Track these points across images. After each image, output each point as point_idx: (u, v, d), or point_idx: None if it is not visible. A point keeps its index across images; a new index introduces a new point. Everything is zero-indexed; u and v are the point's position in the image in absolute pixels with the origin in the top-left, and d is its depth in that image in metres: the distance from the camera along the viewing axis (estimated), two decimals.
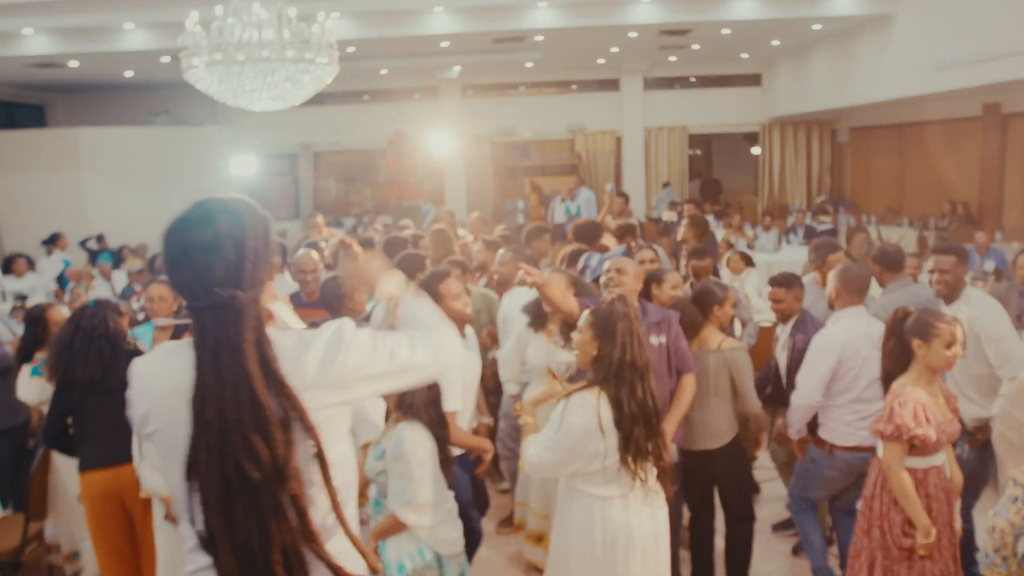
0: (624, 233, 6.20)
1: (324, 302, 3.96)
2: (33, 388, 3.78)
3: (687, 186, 16.07)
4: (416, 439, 2.69)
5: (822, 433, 3.49)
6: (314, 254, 4.92)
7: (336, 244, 5.84)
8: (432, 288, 3.21)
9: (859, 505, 2.98)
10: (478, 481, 3.51)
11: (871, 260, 4.29)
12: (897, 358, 2.85)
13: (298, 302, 4.82)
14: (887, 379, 2.90)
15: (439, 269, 3.55)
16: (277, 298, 1.62)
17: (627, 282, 3.57)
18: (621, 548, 2.63)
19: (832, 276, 3.57)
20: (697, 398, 3.45)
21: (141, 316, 4.72)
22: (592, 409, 2.57)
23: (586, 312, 2.77)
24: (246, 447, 1.39)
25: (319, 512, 1.49)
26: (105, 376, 3.26)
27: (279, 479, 1.40)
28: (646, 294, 3.76)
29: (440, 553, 2.69)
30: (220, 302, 1.42)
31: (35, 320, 3.97)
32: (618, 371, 2.56)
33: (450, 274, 3.32)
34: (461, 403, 3.26)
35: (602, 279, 3.72)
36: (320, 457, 1.46)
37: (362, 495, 3.11)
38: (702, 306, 3.63)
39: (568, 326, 3.70)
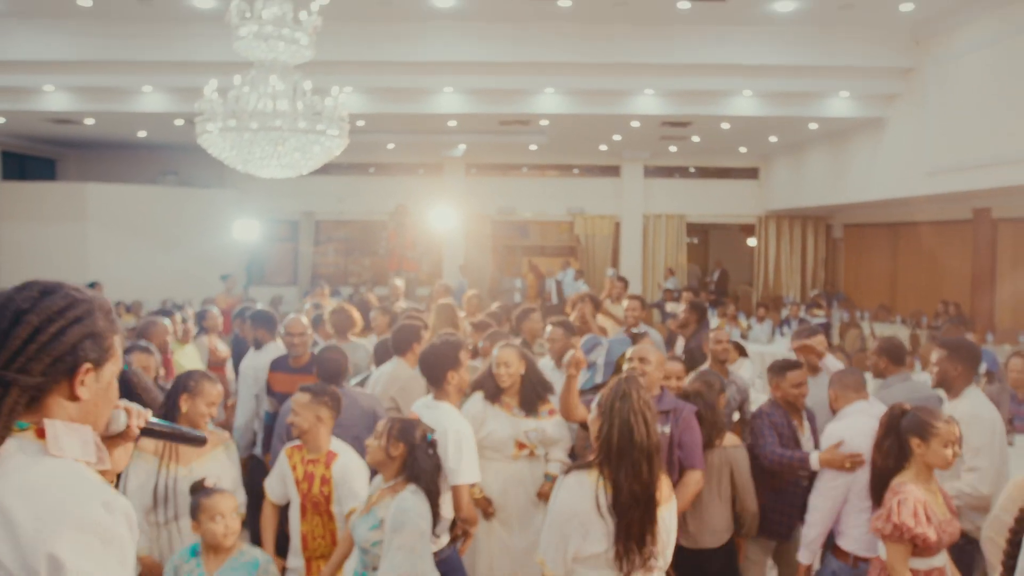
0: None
1: (322, 371, 3.95)
2: None
3: (684, 274, 16.26)
4: (421, 510, 2.65)
5: (842, 543, 3.22)
6: (304, 318, 4.97)
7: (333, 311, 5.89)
8: (453, 353, 3.30)
9: None
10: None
11: (873, 352, 4.28)
12: (895, 457, 2.82)
13: (285, 367, 4.84)
14: (878, 476, 2.87)
15: (455, 338, 3.57)
16: (86, 425, 1.27)
17: (650, 371, 3.48)
18: None
19: (830, 382, 3.57)
20: (699, 495, 3.39)
21: None
22: (588, 489, 2.42)
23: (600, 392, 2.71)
24: None
25: None
26: None
27: None
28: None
29: None
30: None
31: None
32: (619, 451, 2.41)
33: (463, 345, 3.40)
34: (477, 474, 3.22)
35: (625, 367, 3.63)
36: None
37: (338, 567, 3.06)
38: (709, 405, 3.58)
39: (528, 398, 3.72)
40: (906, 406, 2.85)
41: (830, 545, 3.33)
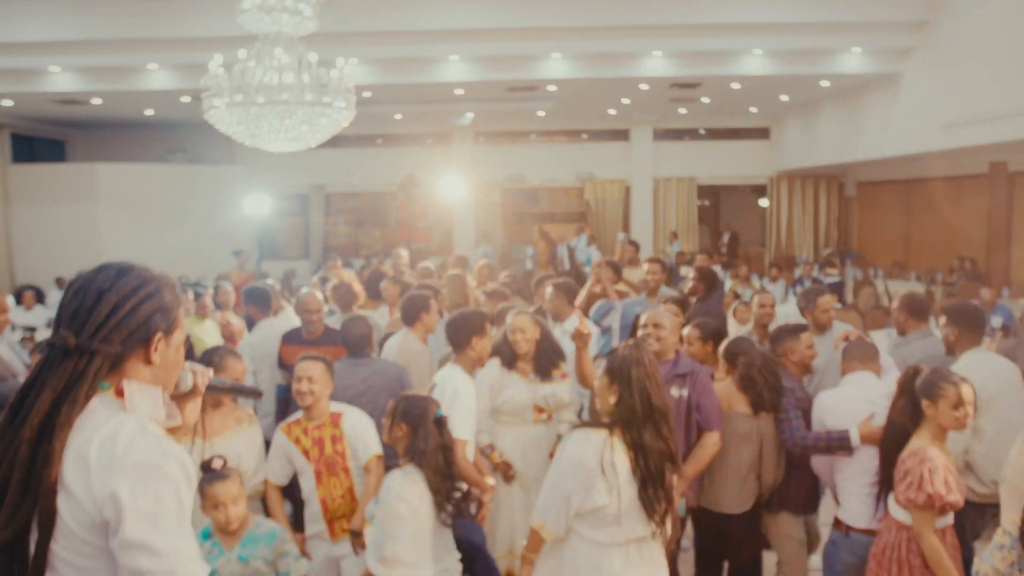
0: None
1: (349, 342, 3.99)
2: None
3: (696, 236, 16.19)
4: (401, 491, 2.62)
5: (839, 514, 3.32)
6: (318, 294, 5.01)
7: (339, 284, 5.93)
8: (481, 321, 3.38)
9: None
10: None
11: (895, 308, 4.22)
12: (910, 415, 2.83)
13: (299, 339, 4.87)
14: (893, 435, 2.86)
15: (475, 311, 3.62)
16: (157, 386, 1.46)
17: (665, 336, 3.51)
18: None
19: (843, 353, 3.54)
20: (725, 460, 3.39)
21: None
22: (595, 447, 2.51)
23: (607, 360, 2.76)
24: None
25: None
26: None
27: None
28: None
29: None
30: (53, 340, 1.37)
31: None
32: (644, 415, 2.52)
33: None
34: (469, 432, 3.27)
35: (640, 333, 3.68)
36: (40, 551, 1.27)
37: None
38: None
39: (542, 364, 3.77)
40: (921, 367, 2.84)
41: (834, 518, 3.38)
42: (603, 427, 2.57)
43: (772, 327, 5.01)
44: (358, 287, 5.72)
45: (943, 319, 3.69)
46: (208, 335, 5.83)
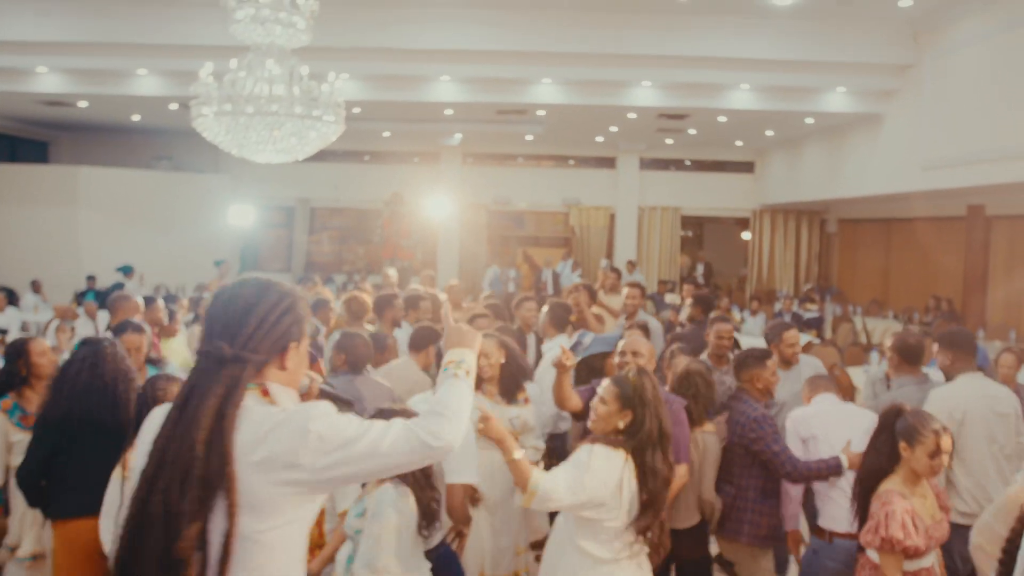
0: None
1: (352, 358, 3.94)
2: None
3: (678, 266, 16.29)
4: (397, 503, 2.64)
5: (821, 522, 3.36)
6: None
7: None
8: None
9: None
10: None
11: (890, 349, 4.11)
12: (887, 455, 2.77)
13: None
14: (868, 473, 2.83)
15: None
16: (292, 389, 1.65)
17: (644, 363, 3.52)
18: None
19: (805, 386, 3.73)
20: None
21: None
22: (617, 465, 2.62)
23: (607, 381, 2.80)
24: (164, 491, 1.45)
25: None
26: (113, 416, 3.07)
27: (174, 536, 1.43)
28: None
29: None
30: (208, 350, 1.55)
31: (16, 352, 3.57)
32: (660, 439, 2.65)
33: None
34: (477, 477, 3.19)
35: (616, 361, 3.71)
36: (229, 537, 1.45)
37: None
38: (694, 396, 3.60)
39: (507, 386, 3.73)
40: (904, 406, 2.80)
41: (812, 526, 3.46)
42: (617, 445, 2.65)
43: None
44: (368, 301, 5.64)
45: (936, 348, 3.74)
46: (173, 353, 5.66)
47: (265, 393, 1.59)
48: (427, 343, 4.33)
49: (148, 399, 2.96)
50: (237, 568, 1.47)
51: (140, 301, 5.46)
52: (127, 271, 11.63)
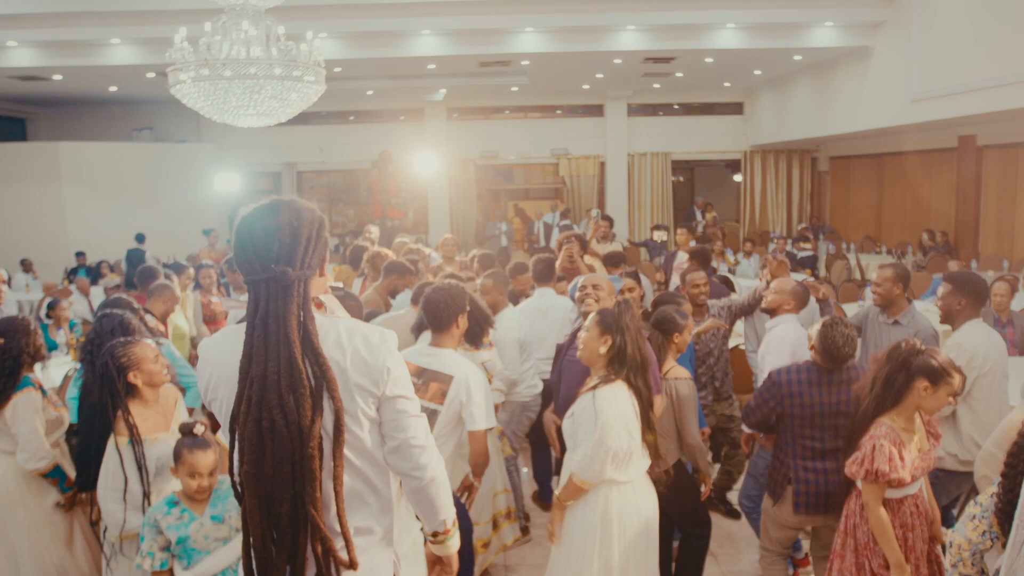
0: (618, 262, 6.29)
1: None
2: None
3: (671, 212, 16.22)
4: None
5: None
6: None
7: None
8: (463, 298, 3.32)
9: (836, 543, 2.92)
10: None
11: (891, 279, 4.10)
12: (896, 391, 2.72)
13: None
14: (874, 406, 2.78)
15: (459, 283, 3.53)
16: (329, 292, 1.82)
17: (603, 297, 3.67)
18: (616, 529, 2.82)
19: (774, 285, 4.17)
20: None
21: None
22: (624, 396, 2.81)
23: (593, 312, 2.97)
24: (280, 403, 1.62)
25: (328, 477, 1.68)
26: None
27: (302, 437, 1.62)
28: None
29: None
30: (273, 275, 1.65)
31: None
32: (633, 363, 2.83)
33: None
34: (492, 421, 3.18)
35: (576, 295, 3.80)
36: (339, 426, 1.66)
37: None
38: (665, 332, 3.60)
39: (473, 332, 3.79)
40: (919, 345, 2.76)
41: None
42: (614, 380, 2.83)
43: (733, 300, 5.09)
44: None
45: (946, 288, 3.66)
46: (168, 321, 5.59)
47: (319, 305, 1.78)
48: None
49: (115, 367, 2.92)
50: (348, 449, 1.71)
51: (178, 292, 5.33)
52: (141, 239, 11.61)
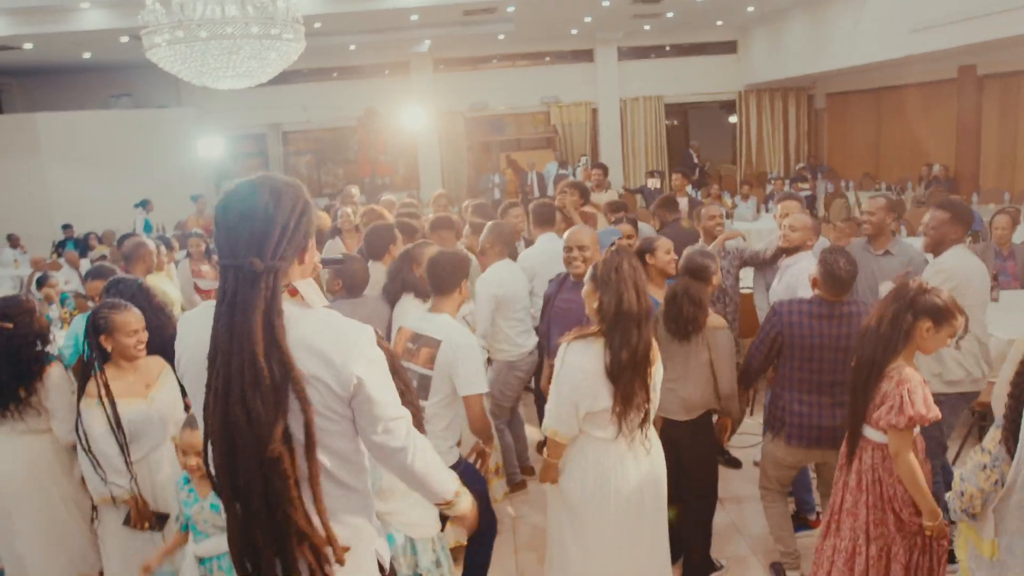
0: (617, 209, 6.13)
1: (349, 283, 3.96)
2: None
3: (666, 157, 15.97)
4: None
5: None
6: None
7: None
8: (466, 263, 3.27)
9: (846, 500, 2.84)
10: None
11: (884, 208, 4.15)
12: (904, 333, 2.63)
13: None
14: (870, 362, 2.68)
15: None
16: (308, 278, 1.71)
17: (590, 256, 3.66)
18: (613, 489, 2.72)
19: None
20: (674, 369, 3.30)
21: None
22: (594, 353, 2.66)
23: (590, 268, 2.87)
24: (242, 400, 1.55)
25: (303, 479, 1.62)
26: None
27: (264, 438, 1.55)
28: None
29: (412, 537, 2.58)
30: (239, 264, 1.57)
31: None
32: (614, 319, 2.65)
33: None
34: (485, 385, 3.12)
35: (563, 256, 3.79)
36: (309, 428, 1.58)
37: None
38: (703, 280, 3.48)
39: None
40: (925, 284, 2.71)
41: None
42: (597, 334, 2.69)
43: (748, 246, 4.98)
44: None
45: (942, 216, 3.58)
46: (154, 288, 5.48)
47: (294, 293, 1.67)
48: (386, 245, 4.48)
49: (93, 324, 2.94)
50: (321, 451, 1.63)
51: (153, 247, 5.21)
52: (144, 204, 11.54)
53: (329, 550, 1.65)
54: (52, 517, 3.27)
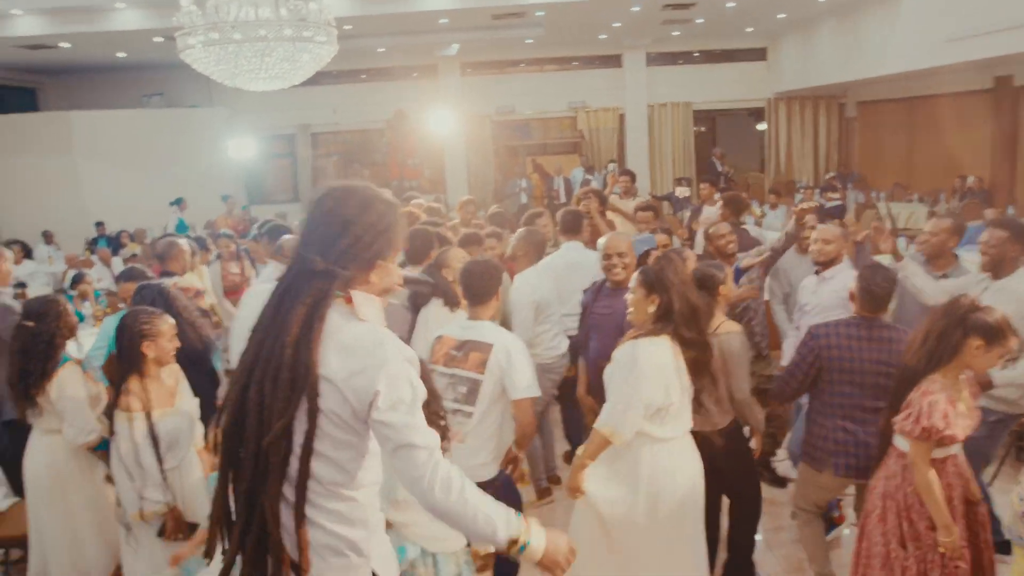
0: (647, 209, 6.12)
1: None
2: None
3: (694, 164, 15.85)
4: None
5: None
6: None
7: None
8: (500, 273, 3.29)
9: (876, 506, 2.80)
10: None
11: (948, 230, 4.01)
12: (951, 349, 2.60)
13: None
14: (910, 376, 2.67)
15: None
16: (373, 297, 1.71)
17: (629, 263, 3.74)
18: (645, 491, 2.79)
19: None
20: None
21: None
22: (665, 349, 2.80)
23: (636, 273, 2.96)
24: (260, 383, 1.59)
25: (290, 480, 1.61)
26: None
27: (266, 422, 1.58)
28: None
29: (433, 551, 2.56)
30: (304, 257, 1.63)
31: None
32: (686, 316, 2.82)
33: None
34: (536, 390, 3.09)
35: (602, 263, 3.82)
36: (310, 435, 1.59)
37: None
38: (709, 290, 3.47)
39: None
40: (977, 301, 2.66)
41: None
42: (659, 332, 2.82)
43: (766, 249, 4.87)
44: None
45: (1001, 235, 3.53)
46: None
47: (349, 301, 1.67)
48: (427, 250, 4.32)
49: (132, 332, 2.95)
50: (317, 459, 1.61)
51: (187, 247, 5.22)
52: (178, 203, 11.66)
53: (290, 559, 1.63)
54: (70, 520, 3.28)
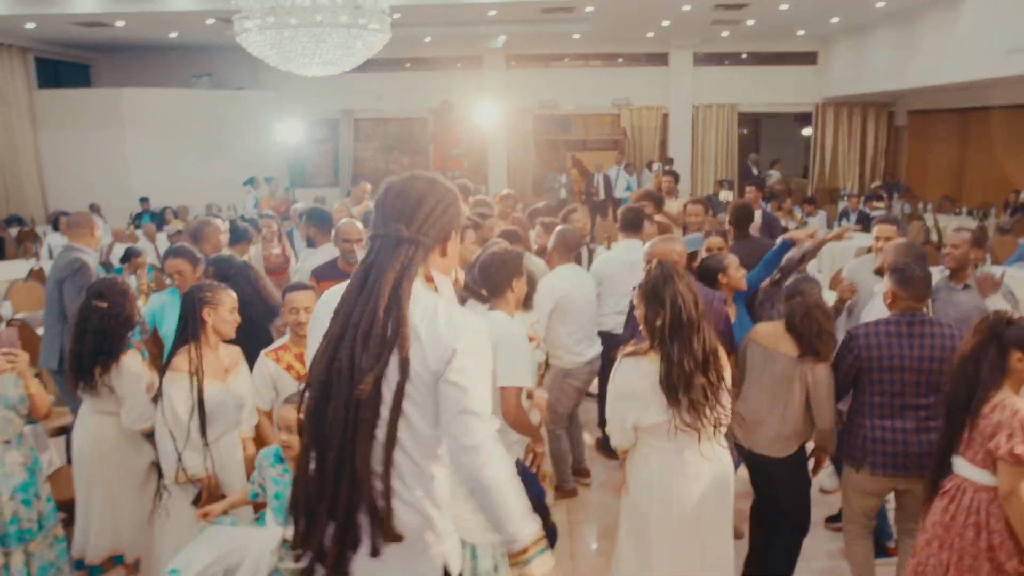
0: (697, 203, 6.08)
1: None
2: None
3: (736, 166, 15.67)
4: None
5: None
6: (358, 224, 4.71)
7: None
8: (518, 262, 3.25)
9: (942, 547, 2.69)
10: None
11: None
12: (993, 366, 2.54)
13: (336, 273, 4.56)
14: (967, 391, 2.59)
15: (516, 248, 3.48)
16: (447, 275, 1.84)
17: (677, 264, 3.60)
18: (675, 497, 2.74)
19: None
20: (762, 400, 3.23)
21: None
22: (643, 370, 2.69)
23: (635, 289, 2.89)
24: (351, 346, 1.67)
25: (378, 440, 1.68)
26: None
27: (357, 379, 1.65)
28: (712, 283, 3.75)
29: (473, 543, 2.53)
30: (386, 231, 1.74)
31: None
32: (671, 331, 2.66)
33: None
34: (530, 379, 3.08)
35: (644, 267, 3.71)
36: (400, 388, 1.66)
37: None
38: (710, 282, 3.56)
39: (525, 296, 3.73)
40: (1012, 315, 2.58)
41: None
42: (648, 352, 2.72)
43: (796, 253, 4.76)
44: None
45: None
46: None
47: (429, 279, 1.79)
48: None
49: (194, 298, 3.06)
50: (401, 423, 1.69)
51: (222, 226, 5.25)
52: (251, 182, 11.71)
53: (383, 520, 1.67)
54: (111, 500, 3.33)
